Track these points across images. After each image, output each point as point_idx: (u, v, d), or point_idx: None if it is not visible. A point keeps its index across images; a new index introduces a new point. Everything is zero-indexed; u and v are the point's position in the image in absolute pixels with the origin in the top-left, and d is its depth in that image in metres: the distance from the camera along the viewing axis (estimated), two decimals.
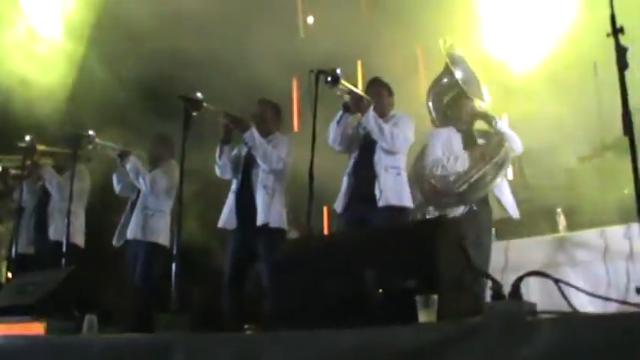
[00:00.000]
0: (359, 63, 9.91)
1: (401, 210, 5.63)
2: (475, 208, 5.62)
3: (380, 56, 9.20)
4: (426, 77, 10.51)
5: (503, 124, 5.93)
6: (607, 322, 2.27)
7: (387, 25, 9.39)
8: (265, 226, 5.89)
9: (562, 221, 6.40)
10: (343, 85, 5.45)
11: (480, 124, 6.05)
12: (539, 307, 2.78)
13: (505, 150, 5.73)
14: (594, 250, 5.95)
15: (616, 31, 4.05)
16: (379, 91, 5.98)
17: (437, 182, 5.71)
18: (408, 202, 5.70)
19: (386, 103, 5.99)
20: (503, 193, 5.77)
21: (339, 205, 5.77)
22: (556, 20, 7.79)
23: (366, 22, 10.14)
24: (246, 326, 5.67)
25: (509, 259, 6.20)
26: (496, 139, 5.79)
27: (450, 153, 5.81)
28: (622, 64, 4.06)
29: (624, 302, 4.67)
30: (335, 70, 5.32)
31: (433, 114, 6.37)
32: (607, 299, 4.20)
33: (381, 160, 5.66)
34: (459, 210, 5.56)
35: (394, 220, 5.51)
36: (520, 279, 2.89)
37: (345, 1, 10.17)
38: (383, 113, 5.85)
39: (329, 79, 5.31)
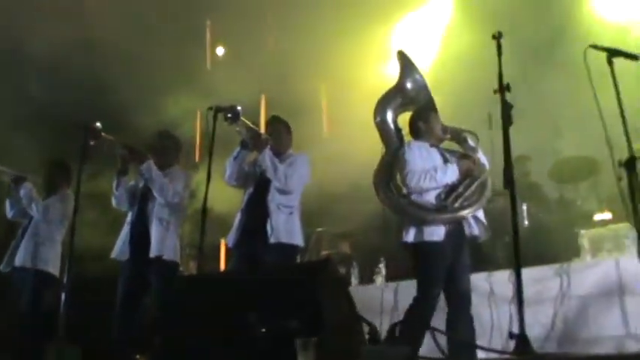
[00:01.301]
0: (263, 98, 10.04)
1: (291, 248, 5.73)
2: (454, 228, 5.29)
3: (286, 91, 9.37)
4: (329, 113, 10.86)
5: (476, 143, 5.59)
6: None
7: (296, 60, 9.54)
8: (159, 258, 5.88)
9: None
10: (242, 121, 5.53)
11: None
12: (426, 351, 2.89)
13: (485, 169, 5.45)
14: (480, 294, 6.12)
15: (502, 88, 4.29)
16: (278, 129, 6.07)
17: (424, 196, 5.24)
18: (298, 240, 5.79)
19: (284, 142, 6.07)
20: (479, 215, 5.47)
21: (230, 240, 5.84)
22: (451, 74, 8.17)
23: (275, 56, 10.28)
24: (137, 357, 5.62)
25: (398, 300, 6.32)
26: (474, 157, 5.43)
27: (431, 166, 5.31)
28: (506, 120, 4.31)
29: (490, 349, 4.96)
30: (234, 107, 5.43)
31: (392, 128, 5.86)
32: (479, 347, 4.38)
33: (274, 198, 5.74)
34: (441, 230, 5.11)
35: (284, 258, 5.62)
36: (396, 324, 3.01)
37: (255, 33, 10.27)
38: (280, 151, 5.95)
39: (228, 115, 5.40)
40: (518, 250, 4.07)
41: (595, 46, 4.19)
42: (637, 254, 4.30)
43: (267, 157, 5.69)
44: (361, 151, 8.68)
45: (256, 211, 5.76)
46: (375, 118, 5.82)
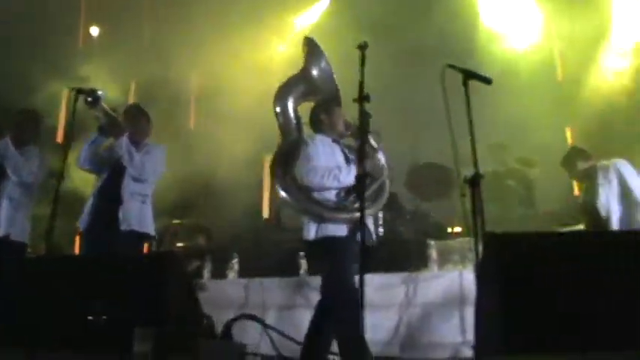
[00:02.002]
0: (133, 84, 9.87)
1: (142, 237, 5.69)
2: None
3: (157, 80, 9.25)
4: (198, 106, 10.82)
5: (378, 143, 5.41)
6: None
7: (170, 49, 9.43)
8: (6, 238, 5.71)
9: (303, 265, 6.69)
10: (102, 107, 5.43)
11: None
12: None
13: (385, 171, 5.29)
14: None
15: (361, 98, 4.37)
16: (137, 118, 5.98)
17: (324, 193, 4.97)
18: (149, 229, 5.73)
19: (142, 130, 5.98)
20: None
21: (82, 223, 5.69)
22: None
23: (150, 43, 10.12)
24: None
25: (249, 296, 6.36)
26: (376, 157, 5.26)
27: (335, 164, 5.05)
28: (363, 129, 4.42)
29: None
30: (95, 91, 5.30)
31: (292, 117, 5.61)
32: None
33: (128, 185, 5.66)
34: (342, 229, 4.86)
35: (135, 246, 5.59)
36: (233, 320, 3.04)
37: (132, 17, 10.08)
38: (138, 140, 5.87)
39: (89, 99, 5.28)
40: (364, 257, 4.13)
41: (452, 66, 4.34)
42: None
43: (123, 144, 5.62)
44: (228, 144, 8.76)
45: (109, 197, 5.65)
46: (275, 104, 5.58)
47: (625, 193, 6.01)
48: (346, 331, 4.50)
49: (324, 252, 4.89)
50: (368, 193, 4.96)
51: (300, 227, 7.92)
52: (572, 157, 6.55)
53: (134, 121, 5.90)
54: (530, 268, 3.16)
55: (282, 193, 5.22)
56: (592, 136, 8.50)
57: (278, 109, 5.56)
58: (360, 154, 4.24)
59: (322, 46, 5.51)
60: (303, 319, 6.15)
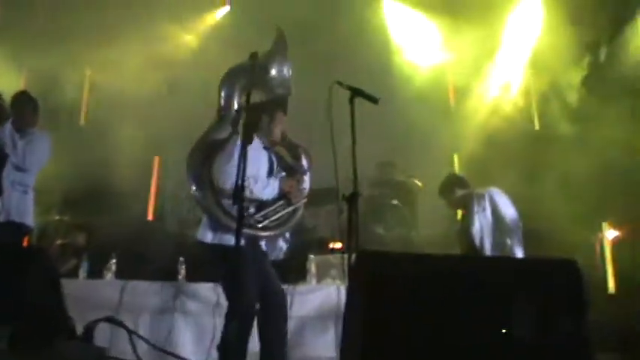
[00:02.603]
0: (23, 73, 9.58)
1: (20, 228, 5.60)
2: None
3: (47, 70, 9.01)
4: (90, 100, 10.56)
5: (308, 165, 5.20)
6: None
7: (63, 40, 9.16)
8: None
9: (182, 270, 6.61)
10: None
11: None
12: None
13: (304, 196, 5.11)
14: (206, 303, 6.20)
15: (248, 101, 4.36)
16: (23, 106, 5.88)
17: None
18: (29, 220, 5.67)
19: (28, 119, 5.88)
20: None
21: None
22: None
23: (44, 32, 9.82)
24: None
25: (124, 299, 6.23)
26: (298, 177, 5.08)
27: (255, 173, 4.77)
28: (245, 139, 4.36)
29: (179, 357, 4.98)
30: None
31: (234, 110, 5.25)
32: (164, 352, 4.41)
33: (9, 175, 5.55)
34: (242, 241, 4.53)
35: (13, 237, 5.49)
36: (94, 322, 2.97)
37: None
38: (23, 128, 5.75)
39: None
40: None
41: (340, 83, 4.40)
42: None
43: (7, 131, 5.49)
44: (118, 142, 8.61)
45: None
46: (221, 86, 5.22)
47: (498, 221, 6.23)
48: (228, 340, 4.51)
49: (217, 259, 4.78)
50: (278, 215, 4.89)
51: (182, 233, 7.95)
52: (450, 184, 6.71)
53: (20, 109, 5.79)
54: (394, 288, 3.22)
55: (193, 186, 5.03)
56: (476, 162, 8.81)
57: (223, 93, 5.23)
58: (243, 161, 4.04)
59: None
60: (178, 325, 6.14)
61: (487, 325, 3.29)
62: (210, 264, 5.14)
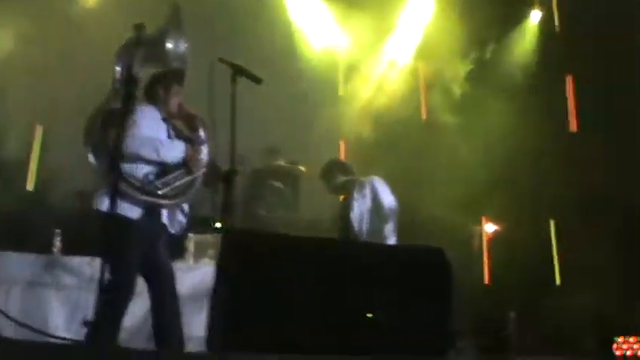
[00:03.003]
0: None
1: None
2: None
3: None
4: None
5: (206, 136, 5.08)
6: None
7: None
8: None
9: (57, 243, 6.42)
10: None
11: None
12: None
13: (203, 166, 4.95)
14: (81, 277, 6.04)
15: (130, 79, 4.27)
16: None
17: (132, 169, 4.62)
18: None
19: None
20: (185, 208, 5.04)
21: None
22: None
23: None
24: None
25: None
26: (196, 148, 4.95)
27: (156, 137, 4.76)
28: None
29: (43, 333, 4.86)
30: None
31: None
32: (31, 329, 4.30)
33: None
34: (136, 211, 4.62)
35: None
36: None
37: None
38: None
39: None
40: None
41: (223, 60, 4.36)
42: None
43: None
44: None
45: None
46: (116, 60, 5.02)
47: (377, 208, 6.34)
48: (101, 313, 4.40)
49: (109, 231, 4.51)
50: (178, 183, 4.77)
51: (64, 205, 7.72)
52: (332, 169, 6.72)
53: None
54: (262, 268, 3.23)
55: (91, 157, 4.83)
56: (362, 148, 8.92)
57: (118, 68, 5.01)
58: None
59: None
60: (52, 299, 5.96)
61: (352, 307, 3.34)
62: (101, 234, 4.91)
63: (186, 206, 5.05)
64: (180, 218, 5.04)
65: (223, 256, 3.49)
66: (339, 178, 6.58)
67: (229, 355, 3.13)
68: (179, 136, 4.99)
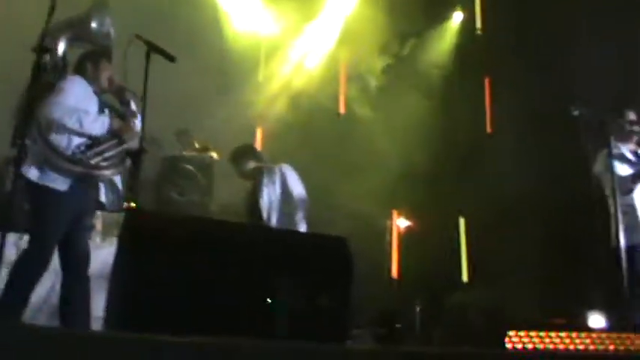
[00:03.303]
0: None
1: None
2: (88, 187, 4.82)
3: None
4: None
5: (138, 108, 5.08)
6: None
7: None
8: None
9: None
10: None
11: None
12: None
13: (136, 137, 4.91)
14: None
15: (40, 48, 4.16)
16: None
17: (64, 139, 4.59)
18: None
19: None
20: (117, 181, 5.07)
21: None
22: None
23: None
24: None
25: None
26: (132, 121, 4.94)
27: (84, 108, 4.71)
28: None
29: None
30: None
31: (59, 59, 5.40)
32: None
33: None
34: (66, 181, 4.55)
35: None
36: None
37: None
38: None
39: None
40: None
41: (138, 37, 4.33)
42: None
43: None
44: None
45: None
46: (46, 40, 4.87)
47: (286, 196, 6.37)
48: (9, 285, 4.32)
49: (36, 201, 4.61)
50: (111, 153, 4.70)
51: None
52: (243, 154, 6.70)
53: None
54: (162, 249, 3.20)
55: (20, 122, 4.75)
56: (277, 136, 8.90)
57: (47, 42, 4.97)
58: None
59: None
60: None
61: (253, 292, 3.35)
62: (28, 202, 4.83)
63: (119, 183, 5.00)
64: (112, 197, 5.02)
65: (123, 236, 3.44)
66: (249, 164, 6.58)
67: (126, 334, 3.09)
68: (110, 109, 4.97)
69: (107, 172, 4.78)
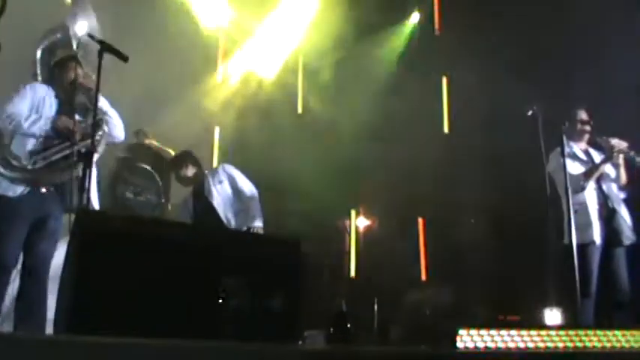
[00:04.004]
0: None
1: None
2: (46, 191, 4.76)
3: None
4: None
5: (106, 104, 5.12)
6: None
7: None
8: None
9: None
10: None
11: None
12: None
13: (103, 134, 4.96)
14: None
15: None
16: None
17: (19, 149, 4.67)
18: None
19: None
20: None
21: None
22: None
23: None
24: None
25: None
26: (96, 119, 4.77)
27: (37, 113, 4.77)
28: None
29: None
30: None
31: (38, 68, 5.47)
32: None
33: None
34: (15, 190, 4.59)
35: None
36: None
37: None
38: None
39: None
40: None
41: (91, 36, 4.34)
42: None
43: None
44: None
45: None
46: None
47: (237, 193, 6.41)
48: None
49: None
50: (58, 157, 4.68)
51: None
52: (182, 160, 6.73)
53: None
54: (111, 250, 3.15)
55: None
56: (237, 136, 8.87)
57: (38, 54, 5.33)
58: None
59: None
60: None
61: (203, 293, 3.33)
62: None
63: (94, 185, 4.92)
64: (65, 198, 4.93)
65: (72, 237, 3.40)
66: (189, 170, 6.61)
67: (74, 337, 3.05)
68: (77, 111, 4.95)
69: (54, 176, 4.72)
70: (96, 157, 4.70)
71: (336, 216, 9.27)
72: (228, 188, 6.39)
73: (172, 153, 7.50)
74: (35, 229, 4.71)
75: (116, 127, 5.12)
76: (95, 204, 4.81)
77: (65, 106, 4.92)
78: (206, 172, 6.63)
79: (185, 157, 6.77)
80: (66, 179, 4.74)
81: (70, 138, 4.71)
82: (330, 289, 7.90)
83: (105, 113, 5.02)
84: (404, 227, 9.47)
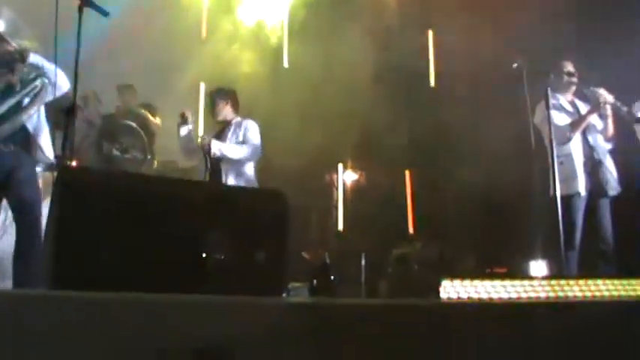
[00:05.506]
0: None
1: None
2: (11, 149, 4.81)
3: None
4: None
5: (41, 60, 4.95)
6: None
7: None
8: None
9: None
10: None
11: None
12: None
13: (43, 84, 4.83)
14: None
15: None
16: None
17: None
18: None
19: None
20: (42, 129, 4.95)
21: None
22: None
23: None
24: None
25: None
26: (34, 73, 4.88)
27: None
28: None
29: None
30: None
31: None
32: None
33: None
34: None
35: None
36: None
37: None
38: None
39: None
40: None
41: None
42: None
43: None
44: None
45: None
46: None
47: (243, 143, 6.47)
48: None
49: None
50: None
51: None
52: (225, 94, 6.81)
53: None
54: (95, 205, 3.13)
55: None
56: None
57: None
58: None
59: None
60: None
61: (189, 246, 3.32)
62: None
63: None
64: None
65: (55, 193, 3.38)
66: (227, 110, 6.75)
67: (54, 293, 3.05)
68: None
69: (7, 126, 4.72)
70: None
71: (324, 169, 9.28)
72: (240, 138, 6.56)
73: (157, 122, 7.52)
74: (7, 180, 4.79)
75: (61, 78, 4.92)
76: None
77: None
78: (233, 120, 6.70)
79: (228, 94, 6.85)
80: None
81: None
82: (316, 244, 7.93)
83: (40, 68, 4.91)
84: (392, 180, 9.48)
